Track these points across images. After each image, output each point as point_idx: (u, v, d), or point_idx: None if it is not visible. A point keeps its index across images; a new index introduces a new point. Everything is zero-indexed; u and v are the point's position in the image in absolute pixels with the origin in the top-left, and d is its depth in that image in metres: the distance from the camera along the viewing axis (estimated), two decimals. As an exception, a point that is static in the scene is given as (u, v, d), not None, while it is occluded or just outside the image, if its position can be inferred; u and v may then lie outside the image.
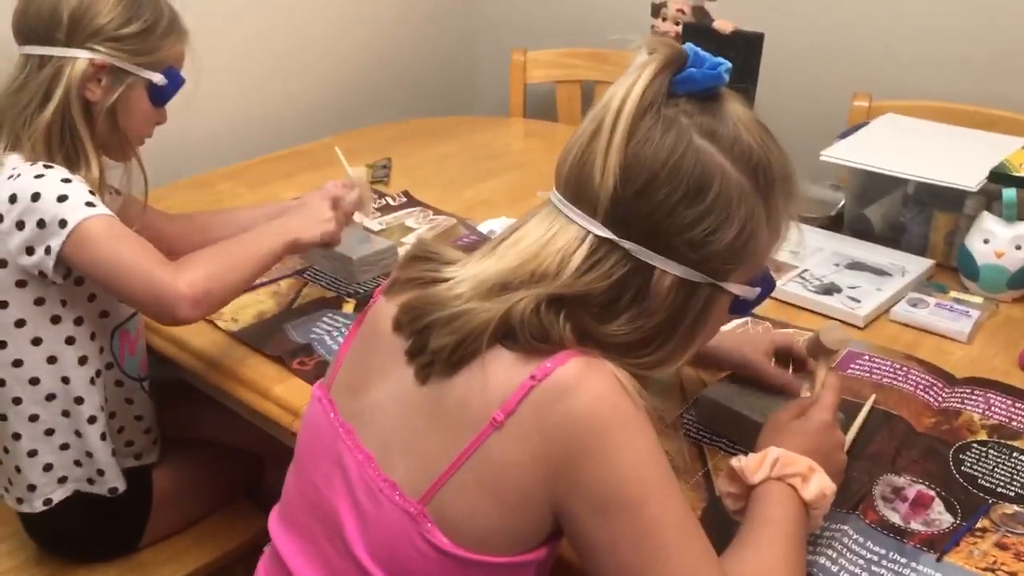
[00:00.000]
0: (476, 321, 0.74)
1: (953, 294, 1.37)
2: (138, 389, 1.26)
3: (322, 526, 0.82)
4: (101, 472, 1.21)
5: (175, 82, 1.20)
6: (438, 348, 0.75)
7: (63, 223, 1.05)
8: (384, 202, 1.70)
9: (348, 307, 1.32)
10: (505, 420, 0.72)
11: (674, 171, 0.74)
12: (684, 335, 0.79)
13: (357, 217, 1.47)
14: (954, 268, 1.43)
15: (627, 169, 0.74)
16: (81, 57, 1.12)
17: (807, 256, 1.47)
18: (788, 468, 0.84)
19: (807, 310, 1.34)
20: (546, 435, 0.71)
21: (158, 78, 1.17)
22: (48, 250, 1.06)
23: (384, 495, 0.77)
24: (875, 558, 0.89)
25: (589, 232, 0.76)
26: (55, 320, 1.14)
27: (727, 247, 0.76)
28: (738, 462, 0.86)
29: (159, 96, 1.19)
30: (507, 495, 0.73)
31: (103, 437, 1.20)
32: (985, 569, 0.88)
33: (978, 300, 1.35)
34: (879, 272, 1.43)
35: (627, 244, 0.75)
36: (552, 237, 0.77)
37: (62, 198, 1.06)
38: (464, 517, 0.74)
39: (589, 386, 0.72)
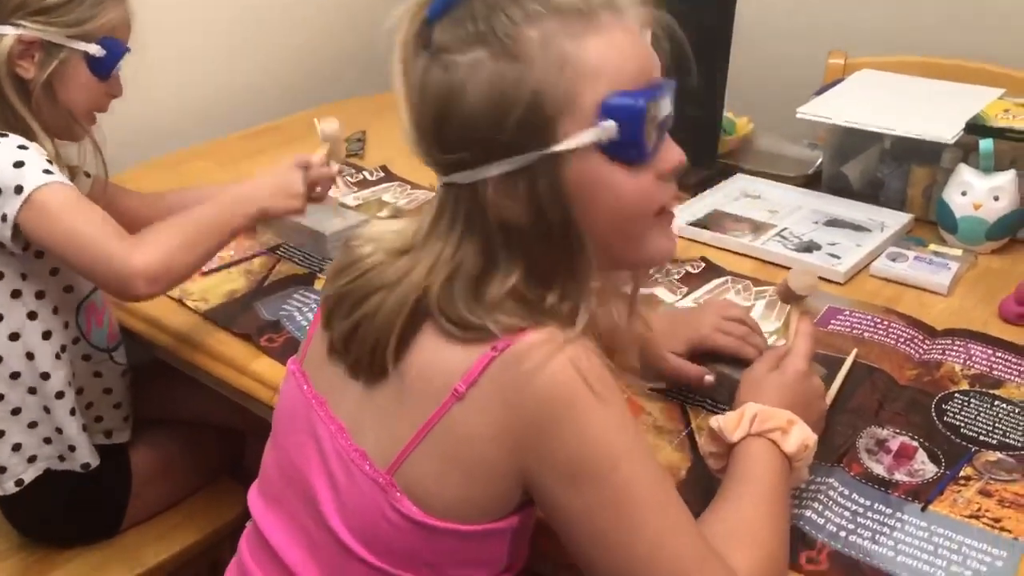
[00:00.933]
0: (376, 316, 0.74)
1: (932, 247, 1.37)
2: (107, 360, 1.24)
3: (300, 499, 0.81)
4: (72, 448, 1.19)
5: (115, 52, 1.15)
6: (346, 337, 0.76)
7: (19, 189, 1.02)
8: (361, 177, 1.68)
9: (320, 283, 1.30)
10: (467, 391, 0.70)
11: (426, 94, 0.71)
12: (565, 224, 0.71)
13: (332, 192, 1.46)
14: (933, 222, 1.43)
15: (413, 115, 0.73)
16: (7, 34, 1.08)
17: (786, 215, 1.47)
18: (767, 423, 0.83)
19: (787, 268, 1.33)
20: (509, 407, 0.70)
21: (95, 49, 1.13)
22: (4, 218, 1.03)
23: (355, 465, 0.76)
24: (860, 510, 0.89)
25: (436, 187, 0.75)
26: (15, 295, 1.12)
27: (493, 116, 0.69)
28: (716, 422, 0.85)
29: (100, 68, 1.15)
30: (472, 466, 0.72)
31: (72, 412, 1.18)
32: (970, 516, 0.88)
33: (957, 252, 1.35)
34: (858, 228, 1.42)
35: (452, 178, 0.72)
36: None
37: (18, 164, 1.04)
38: (431, 487, 0.73)
39: (551, 356, 0.70)
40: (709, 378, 1.01)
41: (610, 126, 0.70)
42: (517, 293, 0.72)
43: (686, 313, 1.09)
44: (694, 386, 1.03)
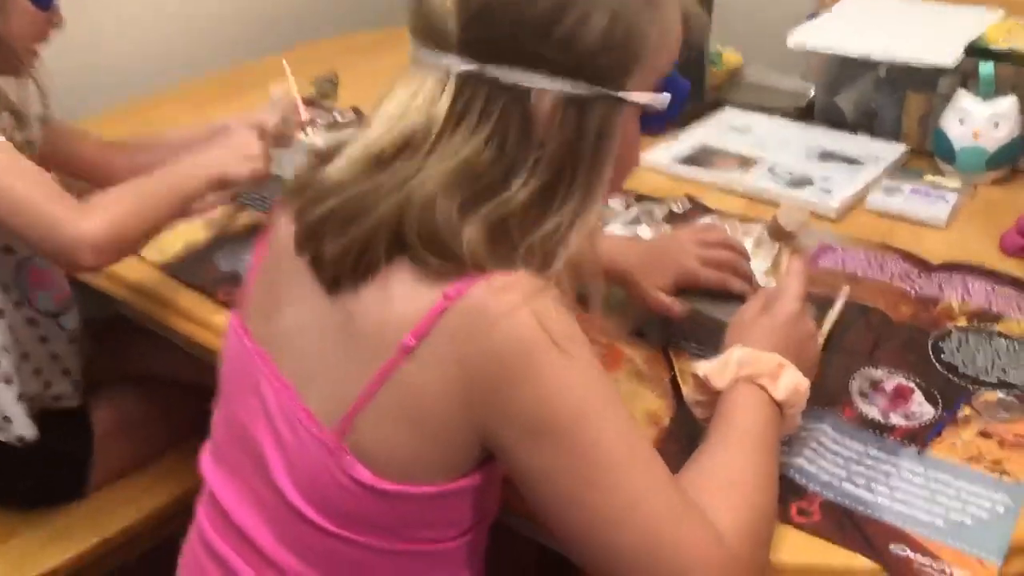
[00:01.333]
0: (368, 224, 0.66)
1: (929, 179, 1.30)
2: (53, 326, 1.17)
3: (249, 461, 0.76)
4: (8, 419, 1.12)
5: None
6: (337, 257, 0.68)
7: None
8: (332, 119, 1.60)
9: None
10: (418, 344, 0.65)
11: None
12: (591, 166, 0.68)
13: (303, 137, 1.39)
14: (930, 152, 1.36)
15: None
16: None
17: (776, 149, 1.40)
18: (755, 368, 0.78)
19: (777, 205, 1.27)
20: (464, 361, 0.64)
21: None
22: None
23: (303, 426, 0.71)
24: (854, 456, 0.84)
25: (449, 72, 0.66)
26: None
27: (603, 41, 0.65)
28: (701, 369, 0.80)
29: None
30: (426, 424, 0.67)
31: (7, 380, 1.11)
32: (968, 459, 0.83)
33: (955, 183, 1.28)
34: (851, 161, 1.36)
35: (491, 70, 0.65)
36: (415, 91, 0.68)
37: None
38: (384, 448, 0.68)
39: (510, 304, 0.64)
40: (679, 308, 0.96)
41: (665, 98, 0.71)
42: (514, 217, 0.66)
43: (665, 244, 1.02)
44: (676, 322, 0.97)
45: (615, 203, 1.28)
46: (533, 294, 0.65)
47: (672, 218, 1.25)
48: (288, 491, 0.72)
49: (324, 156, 0.74)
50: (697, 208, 1.27)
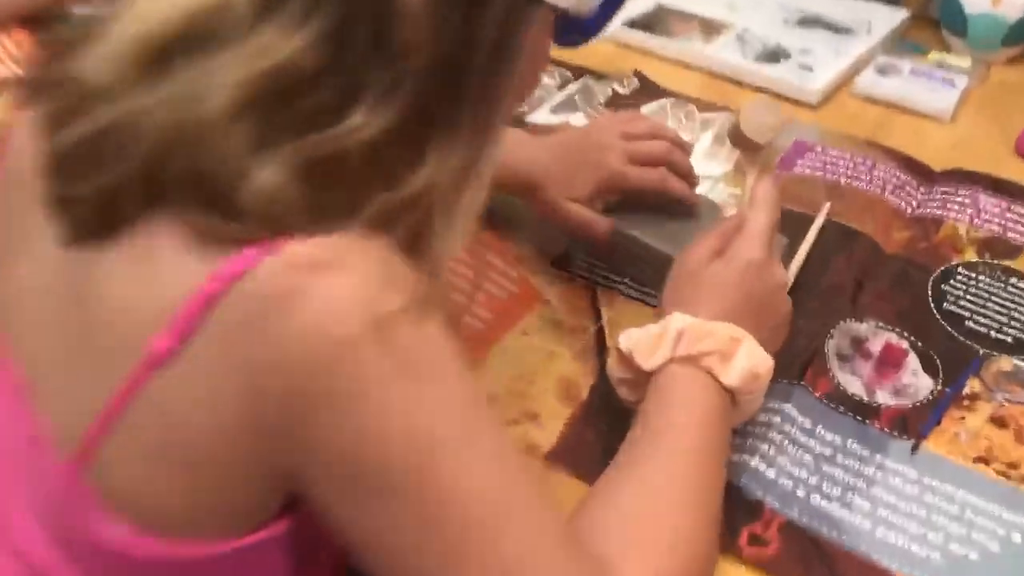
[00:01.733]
0: (132, 160, 0.43)
1: (934, 56, 1.06)
2: None
3: None
4: None
5: None
6: (83, 200, 0.45)
7: None
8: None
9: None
10: (178, 348, 0.42)
11: None
12: (482, 94, 0.46)
13: None
14: (935, 21, 1.12)
15: None
16: None
17: (747, 11, 1.14)
18: (699, 345, 0.57)
19: (747, 85, 1.03)
20: (249, 373, 0.42)
21: None
22: None
23: (38, 453, 0.48)
24: (827, 452, 0.63)
25: None
26: None
27: None
28: (627, 341, 0.58)
29: None
30: (198, 460, 0.44)
31: None
32: (976, 460, 0.63)
33: (965, 63, 1.05)
34: (839, 30, 1.11)
35: None
36: None
37: None
38: (142, 492, 0.46)
39: (322, 289, 0.41)
40: (605, 227, 0.74)
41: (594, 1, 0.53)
42: (350, 162, 0.43)
43: (581, 140, 0.78)
44: (601, 243, 0.75)
45: (546, 79, 1.02)
46: (368, 272, 0.42)
47: (616, 100, 1.00)
48: (33, 539, 0.50)
49: (76, 34, 0.49)
50: (647, 89, 1.02)
